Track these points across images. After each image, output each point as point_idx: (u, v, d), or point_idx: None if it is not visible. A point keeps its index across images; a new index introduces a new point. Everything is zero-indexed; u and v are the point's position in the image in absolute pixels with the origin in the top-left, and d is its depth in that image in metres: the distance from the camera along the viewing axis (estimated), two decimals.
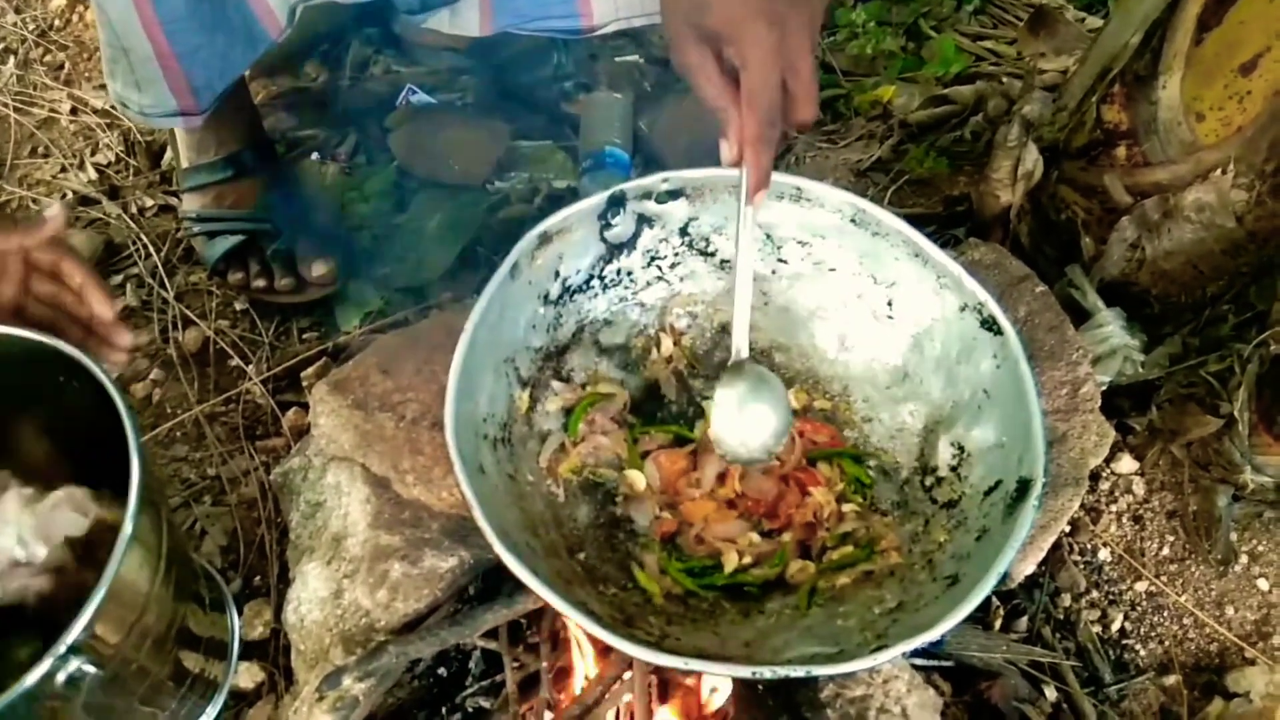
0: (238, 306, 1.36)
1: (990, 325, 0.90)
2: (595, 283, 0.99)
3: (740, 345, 0.90)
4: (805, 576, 0.90)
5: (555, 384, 0.97)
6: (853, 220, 0.96)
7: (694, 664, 0.72)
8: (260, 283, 1.32)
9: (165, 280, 1.36)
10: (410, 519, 1.00)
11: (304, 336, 1.33)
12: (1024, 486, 0.82)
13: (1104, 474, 1.19)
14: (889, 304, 0.98)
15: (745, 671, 0.72)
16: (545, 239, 0.92)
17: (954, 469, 0.92)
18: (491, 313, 0.87)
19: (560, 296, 0.97)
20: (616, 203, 0.95)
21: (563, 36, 1.40)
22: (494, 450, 0.88)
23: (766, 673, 0.71)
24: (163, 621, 0.90)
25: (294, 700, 0.99)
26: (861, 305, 1.00)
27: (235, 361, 1.30)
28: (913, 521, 0.92)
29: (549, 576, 0.81)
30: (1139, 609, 1.12)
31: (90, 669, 0.73)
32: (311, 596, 0.99)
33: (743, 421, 0.90)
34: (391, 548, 0.98)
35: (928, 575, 0.85)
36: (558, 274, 0.95)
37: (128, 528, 0.77)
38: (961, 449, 0.92)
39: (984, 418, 0.91)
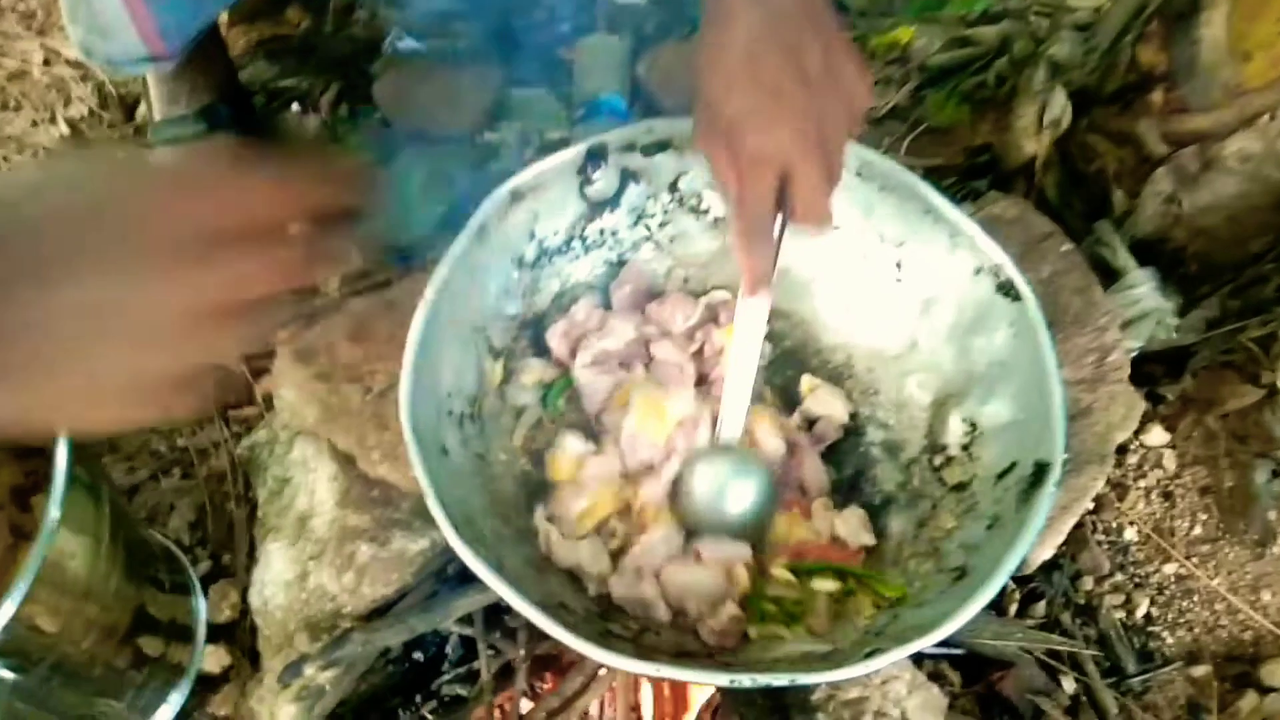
0: None
1: (1007, 290, 0.82)
2: (576, 244, 0.91)
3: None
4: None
5: (532, 359, 0.90)
6: (858, 173, 0.87)
7: (665, 670, 0.65)
8: None
9: None
10: (380, 498, 0.93)
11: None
12: (1041, 471, 0.74)
13: (1132, 446, 1.11)
14: (897, 265, 0.89)
15: (723, 679, 0.65)
16: (517, 196, 0.84)
17: (965, 448, 0.84)
18: (457, 279, 0.79)
19: (537, 259, 0.89)
20: (596, 156, 0.86)
21: None
22: (460, 428, 0.81)
23: (745, 680, 0.64)
24: (113, 608, 0.85)
25: (259, 687, 0.93)
26: (867, 267, 0.91)
27: None
28: (919, 506, 0.84)
29: (517, 567, 0.75)
30: (1167, 593, 1.04)
31: (9, 675, 0.67)
32: (276, 579, 0.94)
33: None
34: (359, 528, 0.92)
35: (933, 565, 0.78)
36: (533, 235, 0.87)
37: (53, 513, 0.71)
38: (974, 426, 0.84)
39: (999, 392, 0.82)
